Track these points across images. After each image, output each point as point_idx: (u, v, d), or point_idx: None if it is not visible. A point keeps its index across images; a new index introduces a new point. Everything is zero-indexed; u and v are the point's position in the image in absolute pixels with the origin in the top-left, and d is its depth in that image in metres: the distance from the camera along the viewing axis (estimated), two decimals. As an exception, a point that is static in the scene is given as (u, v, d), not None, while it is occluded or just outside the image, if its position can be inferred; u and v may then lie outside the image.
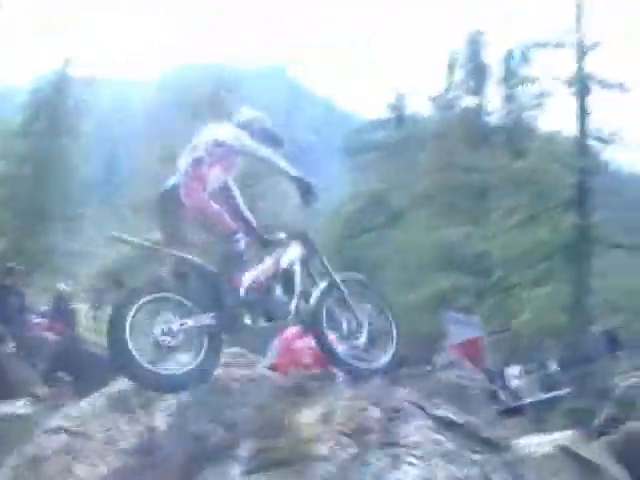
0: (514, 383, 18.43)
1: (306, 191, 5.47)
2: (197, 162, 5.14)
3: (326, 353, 5.05)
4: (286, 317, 5.34)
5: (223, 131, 5.38)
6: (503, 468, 3.29)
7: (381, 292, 5.84)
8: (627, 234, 19.09)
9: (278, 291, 5.37)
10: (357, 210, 27.52)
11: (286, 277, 5.44)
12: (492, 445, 3.40)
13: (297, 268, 5.49)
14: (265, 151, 5.24)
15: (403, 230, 22.97)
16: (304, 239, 5.68)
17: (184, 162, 5.20)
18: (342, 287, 5.43)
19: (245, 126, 5.50)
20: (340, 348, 5.12)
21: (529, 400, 19.12)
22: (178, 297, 4.90)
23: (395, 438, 3.11)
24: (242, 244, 5.24)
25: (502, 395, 18.31)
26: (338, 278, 5.49)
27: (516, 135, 21.38)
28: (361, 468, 2.93)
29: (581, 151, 17.18)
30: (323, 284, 5.38)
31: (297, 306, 5.28)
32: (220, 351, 4.83)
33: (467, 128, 22.34)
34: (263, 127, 5.61)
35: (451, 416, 3.39)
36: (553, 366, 21.73)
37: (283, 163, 5.26)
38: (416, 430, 3.14)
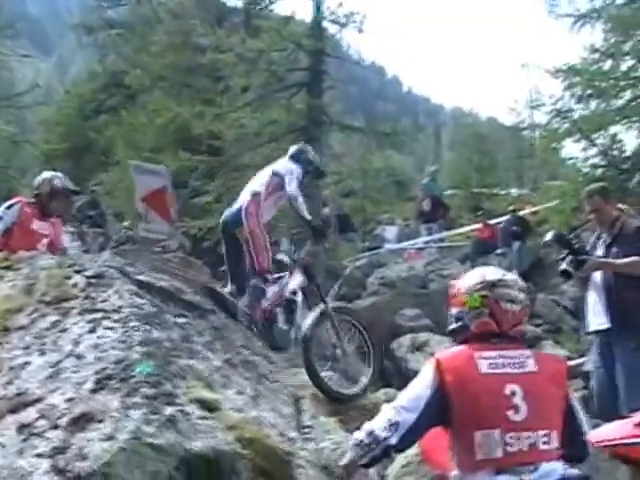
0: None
1: (319, 235, 6.81)
2: (255, 195, 6.43)
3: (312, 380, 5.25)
4: (288, 347, 5.80)
5: (280, 164, 6.78)
6: (207, 331, 3.49)
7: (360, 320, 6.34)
8: (363, 119, 20.16)
9: (281, 320, 5.94)
10: (94, 90, 26.52)
11: (289, 306, 6.04)
12: (197, 309, 3.59)
13: (299, 298, 6.14)
14: (300, 201, 6.38)
15: (138, 111, 22.54)
16: (307, 267, 6.40)
17: (246, 193, 6.56)
18: (334, 315, 5.89)
19: (295, 157, 6.87)
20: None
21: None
22: None
23: (95, 304, 3.19)
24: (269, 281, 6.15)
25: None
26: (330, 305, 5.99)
27: (252, 16, 21.56)
28: (59, 334, 3.00)
29: (316, 33, 17.57)
30: (317, 312, 5.77)
31: (296, 336, 5.73)
32: None
33: (203, 8, 22.11)
34: (309, 158, 7.00)
35: (153, 280, 3.51)
36: (285, 245, 22.87)
37: (307, 213, 6.40)
38: (117, 295, 3.23)
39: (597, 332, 6.22)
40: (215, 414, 2.53)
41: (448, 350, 3.00)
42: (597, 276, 6.13)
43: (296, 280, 6.34)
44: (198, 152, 17.53)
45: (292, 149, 7.25)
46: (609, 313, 6.00)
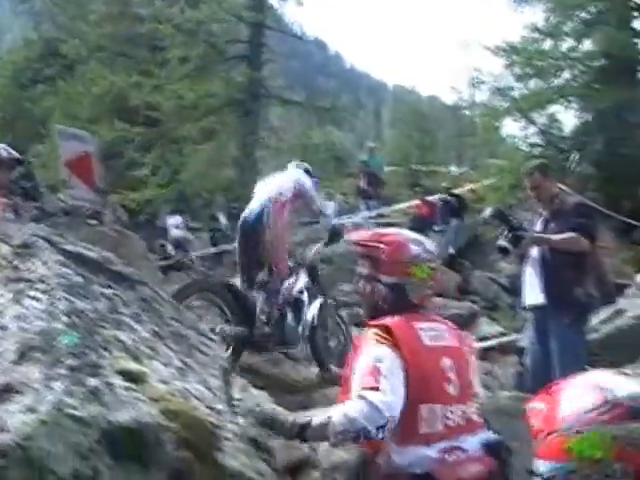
0: (175, 233, 19.12)
1: (335, 235, 7.18)
2: (281, 199, 6.70)
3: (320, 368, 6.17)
4: (297, 343, 6.35)
5: (303, 176, 7.05)
6: (136, 302, 3.43)
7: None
8: (304, 95, 20.09)
9: (290, 317, 6.41)
10: (30, 59, 25.92)
11: (297, 305, 6.49)
12: (126, 280, 3.53)
13: (305, 296, 6.60)
14: (318, 203, 6.98)
15: (75, 81, 22.11)
16: (313, 268, 6.96)
17: (266, 194, 6.77)
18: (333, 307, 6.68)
19: (309, 173, 7.21)
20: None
21: (195, 253, 19.99)
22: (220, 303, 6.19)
23: (21, 274, 3.11)
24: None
25: (168, 247, 18.94)
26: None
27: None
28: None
29: (256, 5, 17.43)
30: (317, 303, 6.53)
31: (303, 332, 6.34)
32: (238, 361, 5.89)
33: (143, -23, 21.76)
34: (307, 169, 7.36)
35: (82, 250, 3.44)
36: (223, 220, 22.77)
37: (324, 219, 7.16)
38: (43, 265, 3.15)
39: (533, 308, 6.31)
40: (140, 386, 2.49)
41: (393, 321, 2.87)
42: (534, 252, 6.20)
43: (302, 280, 6.81)
44: (135, 123, 17.33)
45: (301, 165, 7.59)
46: (545, 289, 6.08)
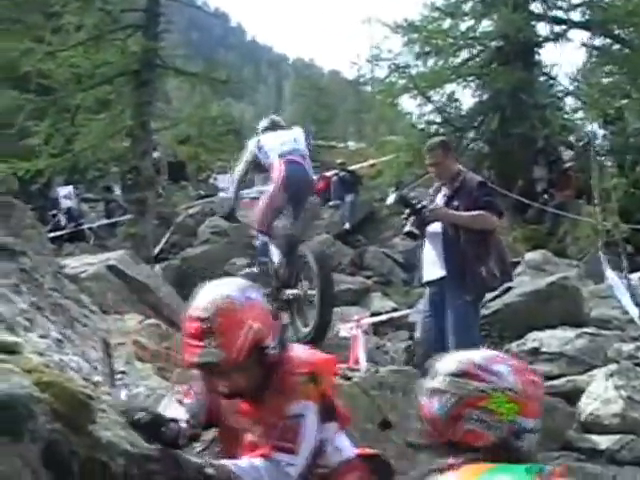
0: (67, 204, 18.76)
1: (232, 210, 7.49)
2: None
3: None
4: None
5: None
6: (15, 274, 3.37)
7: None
8: (202, 66, 19.77)
9: None
10: None
11: None
12: (6, 251, 3.46)
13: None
14: None
15: (-40, 45, 21.15)
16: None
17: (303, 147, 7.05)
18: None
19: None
20: None
21: (88, 225, 19.62)
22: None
23: None
24: None
25: (61, 218, 18.53)
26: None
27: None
28: None
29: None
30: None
31: None
32: None
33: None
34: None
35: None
36: (117, 191, 22.39)
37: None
38: None
39: (430, 283, 6.41)
40: (14, 357, 2.45)
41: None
42: (435, 227, 6.27)
43: None
44: (27, 91, 16.72)
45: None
46: (446, 265, 6.16)
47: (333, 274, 7.22)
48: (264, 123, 7.56)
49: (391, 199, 6.75)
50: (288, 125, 7.73)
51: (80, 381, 2.67)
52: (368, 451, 3.13)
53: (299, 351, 3.01)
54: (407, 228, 6.33)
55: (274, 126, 7.48)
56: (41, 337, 2.82)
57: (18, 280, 3.33)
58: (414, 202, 6.31)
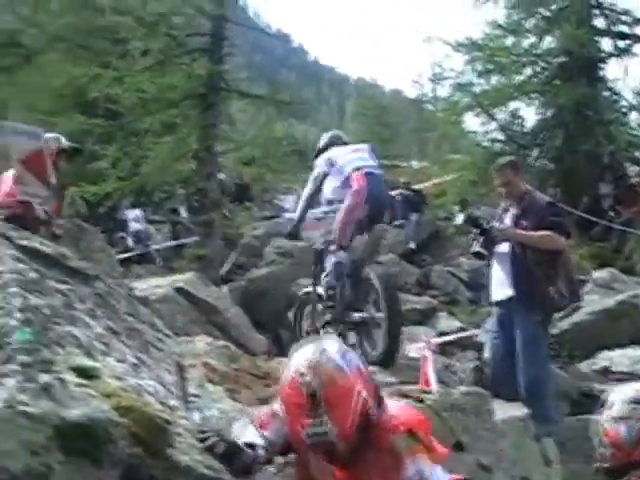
0: (134, 226, 19.07)
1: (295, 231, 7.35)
2: None
3: None
4: None
5: None
6: (90, 297, 3.43)
7: None
8: (266, 88, 20.04)
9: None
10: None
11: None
12: (81, 275, 3.52)
13: None
14: None
15: (34, 72, 21.83)
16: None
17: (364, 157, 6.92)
18: None
19: None
20: None
21: (155, 246, 19.92)
22: None
23: (-27, 269, 3.09)
24: None
25: (128, 240, 18.86)
26: None
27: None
28: None
29: (217, -2, 17.38)
30: None
31: None
32: None
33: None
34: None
35: (37, 245, 3.42)
36: (184, 213, 22.70)
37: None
38: (-4, 260, 3.14)
39: (498, 303, 6.33)
40: (93, 382, 2.50)
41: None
42: (503, 247, 6.22)
43: None
44: (95, 116, 17.21)
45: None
46: (515, 285, 6.10)
47: (400, 296, 7.10)
48: (326, 139, 7.45)
49: (460, 219, 6.70)
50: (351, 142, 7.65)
51: (157, 405, 2.70)
52: (457, 476, 3.05)
53: (392, 408, 2.90)
54: (475, 248, 6.28)
55: (338, 141, 7.39)
56: (118, 361, 2.86)
57: (94, 305, 3.39)
58: (483, 222, 6.25)
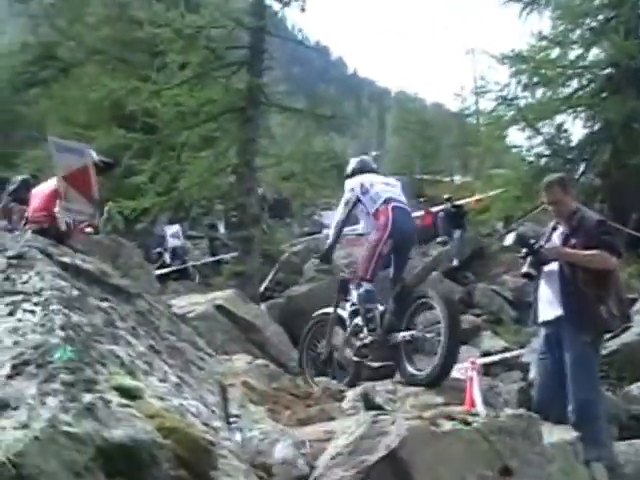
0: (172, 242, 19.19)
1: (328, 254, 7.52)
2: None
3: None
4: None
5: None
6: (132, 315, 3.46)
7: None
8: (305, 101, 20.13)
9: None
10: (26, 62, 25.95)
11: None
12: (122, 293, 3.55)
13: None
14: None
15: (71, 85, 22.17)
16: None
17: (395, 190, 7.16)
18: None
19: None
20: None
21: (193, 263, 20.04)
22: None
23: (15, 285, 3.13)
24: None
25: (166, 256, 18.99)
26: None
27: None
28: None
29: (257, 10, 17.47)
30: None
31: None
32: None
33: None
34: None
35: (78, 262, 3.46)
36: (222, 229, 22.85)
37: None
38: (38, 276, 3.18)
39: (546, 322, 6.24)
40: (136, 402, 2.50)
41: None
42: (552, 266, 6.14)
43: None
44: (133, 130, 17.32)
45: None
46: (565, 305, 6.00)
47: (460, 316, 7.14)
48: (355, 164, 7.60)
49: (510, 240, 6.56)
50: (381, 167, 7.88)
51: (200, 426, 2.70)
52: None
53: None
54: (525, 269, 6.19)
55: (367, 167, 7.57)
56: (160, 381, 2.87)
57: (135, 323, 3.41)
58: (532, 242, 6.18)
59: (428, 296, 6.49)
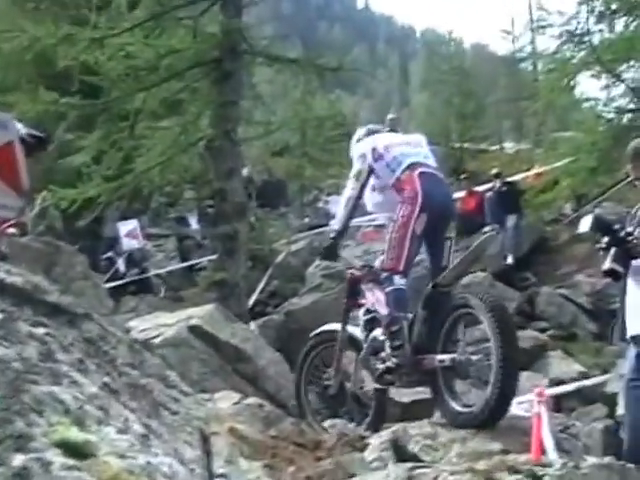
0: (127, 244, 19.22)
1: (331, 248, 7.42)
2: None
3: None
4: None
5: None
6: (78, 344, 3.45)
7: None
8: (300, 48, 20.13)
9: None
10: None
11: None
12: (63, 314, 3.54)
13: None
14: None
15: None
16: None
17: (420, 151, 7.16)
18: None
19: None
20: None
21: (156, 271, 20.09)
22: None
23: None
24: None
25: (119, 263, 19.06)
26: None
27: None
28: None
29: None
30: None
31: None
32: None
33: None
34: None
35: (1, 275, 3.46)
36: (194, 224, 22.87)
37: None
38: (-53, 297, 3.18)
39: (636, 337, 6.21)
40: (86, 462, 2.49)
41: None
42: None
43: None
44: (67, 92, 17.20)
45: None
46: None
47: (517, 332, 7.06)
48: (361, 134, 7.69)
49: (586, 225, 6.42)
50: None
51: (177, 492, 2.69)
52: None
53: None
54: (607, 264, 6.17)
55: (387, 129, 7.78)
56: (120, 432, 2.86)
57: (83, 354, 3.40)
58: (617, 227, 6.12)
59: (470, 305, 6.37)
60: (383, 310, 6.82)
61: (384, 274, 6.81)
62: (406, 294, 6.75)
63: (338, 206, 7.57)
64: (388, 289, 6.71)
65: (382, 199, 7.06)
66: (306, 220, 24.38)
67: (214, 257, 17.55)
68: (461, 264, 6.62)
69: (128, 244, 19.30)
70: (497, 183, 19.86)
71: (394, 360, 6.65)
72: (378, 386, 7.02)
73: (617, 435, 8.56)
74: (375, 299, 7.00)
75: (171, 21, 17.25)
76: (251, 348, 10.00)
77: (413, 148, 7.16)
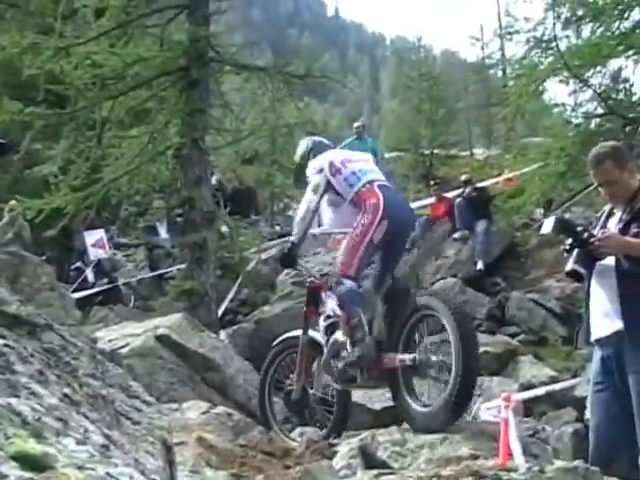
0: (95, 253, 19.18)
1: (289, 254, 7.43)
2: None
3: None
4: None
5: None
6: (38, 355, 3.43)
7: None
8: (269, 54, 20.10)
9: None
10: None
11: None
12: (23, 325, 3.52)
13: None
14: None
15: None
16: None
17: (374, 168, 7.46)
18: None
19: None
20: None
21: (125, 280, 20.04)
22: None
23: None
24: None
25: (87, 273, 19.00)
26: None
27: None
28: None
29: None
30: None
31: None
32: None
33: None
34: None
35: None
36: (163, 233, 22.84)
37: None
38: None
39: (601, 340, 6.18)
40: (44, 474, 2.47)
41: None
42: (608, 262, 6.07)
43: None
44: (33, 102, 17.14)
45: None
46: (625, 313, 5.94)
47: (477, 334, 7.17)
48: (306, 147, 7.99)
49: (548, 227, 6.47)
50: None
51: (137, 505, 2.68)
52: None
53: None
54: (570, 265, 6.16)
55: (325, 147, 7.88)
56: (79, 443, 2.84)
57: (43, 365, 3.38)
58: (579, 229, 6.14)
59: (432, 307, 6.53)
60: (339, 311, 6.95)
61: (334, 278, 6.99)
62: (359, 294, 6.90)
63: (295, 218, 7.62)
64: (341, 291, 6.84)
65: (336, 214, 7.24)
66: (277, 228, 24.42)
67: (183, 266, 17.53)
68: (419, 258, 6.96)
69: (95, 254, 19.27)
70: (467, 189, 19.93)
71: (356, 352, 6.72)
72: (340, 387, 7.09)
73: (587, 439, 8.60)
74: (334, 304, 7.09)
75: (138, 29, 17.24)
76: (220, 357, 10.00)
77: (370, 165, 7.45)
